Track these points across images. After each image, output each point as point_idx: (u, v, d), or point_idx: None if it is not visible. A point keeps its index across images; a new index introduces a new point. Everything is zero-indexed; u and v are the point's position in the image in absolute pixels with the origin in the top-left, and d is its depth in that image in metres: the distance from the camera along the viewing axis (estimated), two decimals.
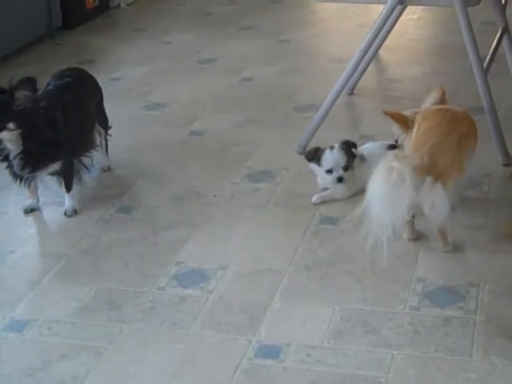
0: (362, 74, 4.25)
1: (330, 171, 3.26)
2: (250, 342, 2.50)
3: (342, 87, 3.73)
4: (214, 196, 3.40)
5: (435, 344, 2.44)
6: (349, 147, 3.29)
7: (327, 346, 2.47)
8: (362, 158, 3.30)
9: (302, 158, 3.60)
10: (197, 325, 2.60)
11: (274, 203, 3.32)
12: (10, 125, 3.07)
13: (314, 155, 3.30)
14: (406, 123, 2.95)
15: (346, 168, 3.25)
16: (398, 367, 2.36)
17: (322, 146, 3.34)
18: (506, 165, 3.42)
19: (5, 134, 3.08)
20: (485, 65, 3.66)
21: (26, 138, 3.11)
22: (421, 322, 2.55)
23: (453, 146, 2.79)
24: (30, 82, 3.10)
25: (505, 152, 3.46)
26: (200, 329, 2.58)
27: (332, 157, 3.26)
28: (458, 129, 2.85)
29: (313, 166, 3.32)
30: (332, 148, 3.27)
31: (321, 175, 3.32)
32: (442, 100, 3.07)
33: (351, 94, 4.32)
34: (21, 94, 3.06)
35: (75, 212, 3.32)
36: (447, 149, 2.76)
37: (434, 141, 2.76)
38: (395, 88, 4.48)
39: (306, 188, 3.38)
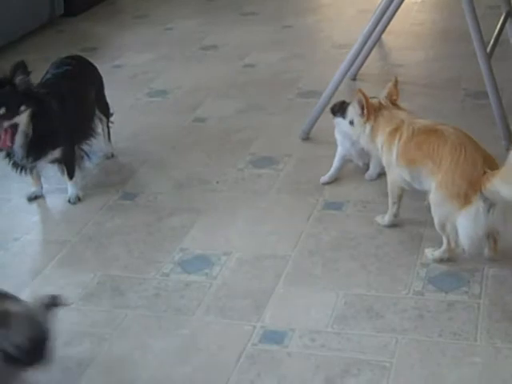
0: (365, 60, 4.23)
1: (353, 122, 3.22)
2: (255, 327, 2.51)
3: (345, 73, 3.72)
4: (217, 182, 3.40)
5: (439, 328, 2.44)
6: None
7: (331, 330, 2.47)
8: None
9: (306, 144, 3.62)
10: (201, 311, 2.60)
11: (278, 189, 3.31)
12: (22, 107, 3.09)
13: (340, 108, 3.25)
14: (369, 112, 2.94)
15: None
16: (402, 352, 2.36)
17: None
18: (510, 149, 3.40)
19: (20, 118, 3.09)
20: (488, 49, 3.64)
21: (35, 119, 3.11)
22: (425, 306, 2.55)
23: None
24: (22, 66, 3.11)
25: (509, 136, 3.45)
26: (204, 315, 2.59)
27: None
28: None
29: (337, 119, 3.26)
30: None
31: (345, 129, 3.23)
32: (395, 92, 3.03)
33: (354, 79, 4.30)
34: (19, 80, 3.08)
35: (79, 199, 3.32)
36: None
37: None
38: (398, 73, 4.44)
39: (310, 174, 3.38)
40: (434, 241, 2.83)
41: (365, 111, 2.94)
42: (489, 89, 3.49)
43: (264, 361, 2.37)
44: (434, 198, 2.71)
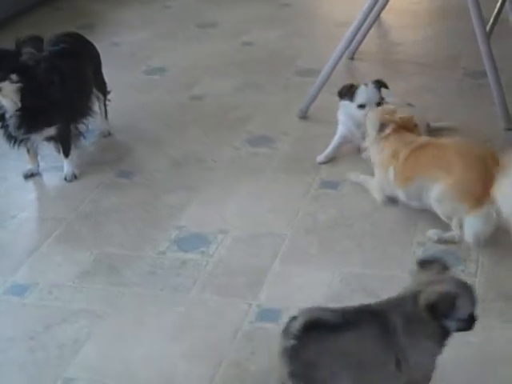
0: (363, 38, 4.21)
1: (362, 106, 3.22)
2: (250, 305, 2.51)
3: (343, 51, 3.70)
4: (214, 160, 3.39)
5: None
6: (381, 86, 3.26)
7: None
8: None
9: (303, 123, 3.61)
10: (197, 289, 2.61)
11: (274, 168, 3.31)
12: (13, 76, 3.07)
13: (348, 91, 3.25)
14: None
15: (378, 105, 3.21)
16: None
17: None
18: (508, 129, 3.40)
19: (6, 85, 3.08)
20: (488, 27, 3.62)
21: (25, 93, 3.10)
22: None
23: None
24: (38, 41, 3.11)
25: (507, 116, 3.44)
26: (200, 293, 2.59)
27: (367, 92, 3.22)
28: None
29: (344, 102, 3.27)
30: (366, 85, 3.24)
31: (351, 112, 3.26)
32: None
33: (352, 58, 4.29)
34: (27, 50, 3.07)
35: (75, 177, 3.31)
36: None
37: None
38: (397, 51, 4.45)
39: (307, 152, 3.37)
40: (430, 220, 2.83)
41: (386, 133, 2.93)
42: (488, 68, 3.47)
43: (259, 338, 2.37)
44: (441, 197, 2.73)
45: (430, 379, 2.03)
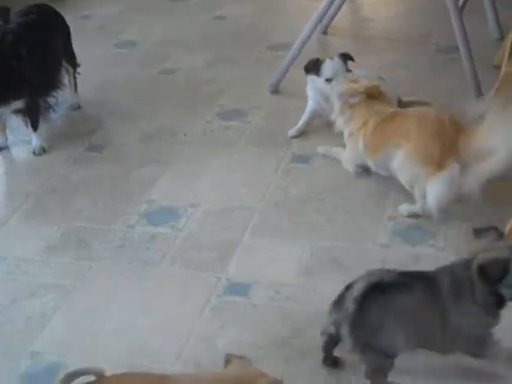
0: (336, 13, 4.18)
1: (329, 80, 3.20)
2: (220, 279, 2.50)
3: (315, 26, 3.66)
4: (185, 134, 3.36)
5: None
6: (347, 59, 3.25)
7: (296, 283, 2.47)
8: None
9: (275, 97, 3.58)
10: (166, 262, 2.59)
11: (246, 141, 3.29)
12: None
13: (314, 65, 3.22)
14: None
15: None
16: None
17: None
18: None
19: None
20: (460, 2, 3.61)
21: None
22: (391, 259, 2.55)
23: None
24: (5, 12, 3.05)
25: (478, 90, 3.43)
26: (169, 266, 2.57)
27: (333, 66, 3.20)
28: None
29: (311, 77, 3.25)
30: (332, 58, 3.22)
31: (319, 86, 3.24)
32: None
33: (325, 33, 4.26)
34: None
35: (44, 150, 3.27)
36: None
37: None
38: (369, 27, 4.43)
39: (278, 126, 3.36)
40: (402, 194, 2.83)
41: (353, 101, 2.93)
42: (460, 43, 3.46)
43: (228, 312, 2.36)
44: (402, 163, 2.74)
45: (481, 348, 2.02)
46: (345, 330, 1.97)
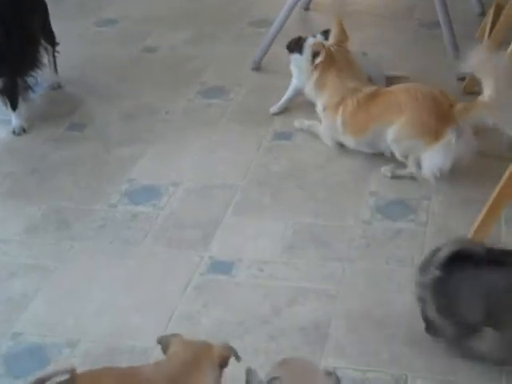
0: None
1: (313, 57, 3.18)
2: (202, 257, 2.49)
3: (296, 1, 3.63)
4: (167, 112, 3.34)
5: (386, 256, 2.45)
6: (328, 36, 3.21)
7: (279, 260, 2.47)
8: None
9: (256, 74, 3.57)
10: (148, 241, 2.58)
11: (228, 119, 3.27)
12: None
13: (296, 44, 3.19)
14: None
15: None
16: (348, 280, 2.37)
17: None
18: (461, 79, 3.39)
19: None
20: None
21: None
22: (372, 235, 2.55)
23: None
24: None
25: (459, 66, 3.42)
26: (151, 245, 2.56)
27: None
28: None
29: (294, 56, 3.20)
30: (314, 36, 3.20)
31: (302, 65, 3.18)
32: (342, 34, 3.06)
33: (307, 8, 4.23)
34: None
35: (24, 130, 3.24)
36: None
37: None
38: (352, 2, 4.41)
39: (260, 104, 3.34)
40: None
41: (318, 60, 2.94)
42: (441, 18, 3.45)
43: (211, 290, 2.36)
44: (397, 135, 2.76)
45: None
46: (428, 294, 1.98)
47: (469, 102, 2.72)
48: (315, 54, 2.98)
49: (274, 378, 1.67)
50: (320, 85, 2.97)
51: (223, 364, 1.74)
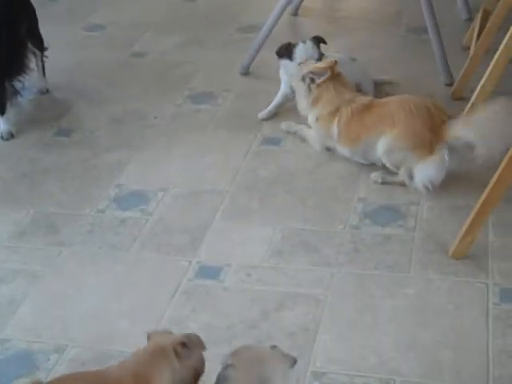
0: None
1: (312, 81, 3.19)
2: (190, 262, 2.49)
3: (284, 7, 3.63)
4: (155, 117, 3.34)
5: (375, 261, 2.45)
6: (319, 42, 3.23)
7: (268, 265, 2.47)
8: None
9: (245, 79, 3.57)
10: (136, 247, 2.58)
11: (216, 124, 3.27)
12: None
13: (286, 50, 3.20)
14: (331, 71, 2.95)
15: (318, 61, 3.17)
16: (337, 285, 2.37)
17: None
18: (449, 84, 3.41)
19: None
20: None
21: None
22: (361, 240, 2.56)
23: None
24: None
25: (447, 71, 3.44)
26: (140, 250, 2.56)
27: (306, 49, 3.18)
28: None
29: (284, 62, 3.22)
30: (304, 42, 3.20)
31: (292, 71, 3.20)
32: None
33: (295, 14, 4.24)
34: None
35: (12, 135, 3.24)
36: None
37: None
38: (340, 8, 4.42)
39: (249, 109, 3.34)
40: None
41: (319, 81, 2.93)
42: (428, 24, 3.46)
43: (199, 296, 2.36)
44: (389, 147, 2.76)
45: None
46: None
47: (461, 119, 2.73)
48: (316, 77, 2.94)
49: (228, 366, 1.70)
50: (316, 100, 2.95)
51: (179, 351, 1.78)
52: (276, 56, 3.25)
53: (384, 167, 2.83)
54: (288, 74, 3.23)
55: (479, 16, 3.52)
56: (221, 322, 2.26)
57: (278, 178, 2.89)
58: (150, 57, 3.91)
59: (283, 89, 3.29)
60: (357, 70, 3.26)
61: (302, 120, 3.10)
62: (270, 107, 3.28)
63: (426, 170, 2.70)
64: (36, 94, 3.56)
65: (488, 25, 3.23)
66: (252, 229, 2.64)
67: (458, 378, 2.03)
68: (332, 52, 3.32)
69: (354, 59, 3.34)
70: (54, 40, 3.75)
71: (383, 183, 2.82)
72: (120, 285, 2.43)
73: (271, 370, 1.72)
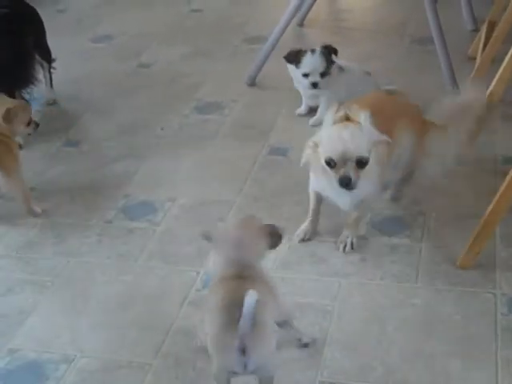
0: (312, 5, 4.18)
1: (306, 75, 3.22)
2: (198, 273, 2.50)
3: (292, 17, 3.66)
4: (162, 128, 3.36)
5: (382, 271, 2.46)
6: (329, 52, 3.24)
7: (276, 275, 2.45)
8: (341, 68, 3.29)
9: (252, 90, 3.59)
10: (144, 257, 2.59)
11: (223, 135, 3.29)
12: None
13: (295, 57, 3.23)
14: None
15: (323, 74, 3.21)
16: (344, 295, 2.38)
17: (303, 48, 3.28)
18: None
19: None
20: None
21: None
22: (368, 250, 2.56)
23: None
24: None
25: (453, 81, 3.45)
26: (147, 261, 2.57)
27: (311, 61, 3.20)
28: None
29: (291, 67, 3.26)
30: (313, 51, 3.22)
31: (296, 78, 3.27)
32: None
33: (301, 25, 4.26)
34: None
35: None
36: None
37: None
38: (346, 18, 4.44)
39: (256, 119, 3.36)
40: None
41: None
42: (434, 34, 3.48)
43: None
44: None
45: None
46: None
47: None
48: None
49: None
50: None
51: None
52: (284, 60, 3.28)
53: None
54: (295, 78, 3.26)
55: (485, 27, 3.54)
56: None
57: (285, 189, 2.90)
58: (157, 67, 3.93)
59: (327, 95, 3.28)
60: (371, 84, 3.27)
61: (310, 129, 3.11)
62: (318, 114, 3.29)
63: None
64: (44, 105, 3.59)
65: (494, 35, 3.24)
66: None
67: None
68: (344, 61, 3.34)
69: (368, 73, 3.35)
70: (61, 51, 3.77)
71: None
72: (128, 295, 2.43)
73: None
